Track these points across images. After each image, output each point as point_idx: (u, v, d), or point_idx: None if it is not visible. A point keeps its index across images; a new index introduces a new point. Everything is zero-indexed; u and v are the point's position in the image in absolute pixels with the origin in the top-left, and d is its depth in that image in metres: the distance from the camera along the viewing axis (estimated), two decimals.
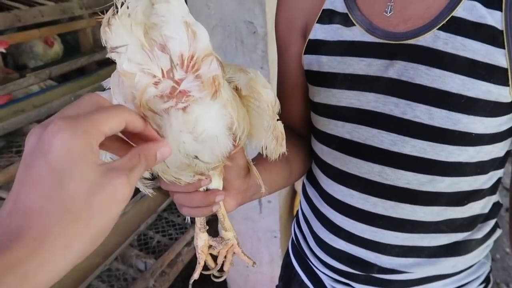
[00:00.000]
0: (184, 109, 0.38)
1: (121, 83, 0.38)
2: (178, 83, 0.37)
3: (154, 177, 0.49)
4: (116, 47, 0.35)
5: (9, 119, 1.50)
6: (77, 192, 0.28)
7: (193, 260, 1.94)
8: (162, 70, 0.36)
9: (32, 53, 1.83)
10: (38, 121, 1.58)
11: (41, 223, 0.27)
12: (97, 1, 1.87)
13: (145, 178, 0.50)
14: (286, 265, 0.89)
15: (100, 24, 0.36)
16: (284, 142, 0.51)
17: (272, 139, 0.50)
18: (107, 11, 0.35)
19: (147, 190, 0.51)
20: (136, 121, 0.34)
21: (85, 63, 1.79)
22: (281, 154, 0.52)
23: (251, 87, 0.46)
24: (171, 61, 0.36)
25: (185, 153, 0.42)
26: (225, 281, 1.99)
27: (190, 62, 0.37)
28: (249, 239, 1.83)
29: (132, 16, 0.36)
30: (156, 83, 0.37)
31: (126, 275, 1.66)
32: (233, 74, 0.47)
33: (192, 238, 1.93)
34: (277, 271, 0.93)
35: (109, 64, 2.03)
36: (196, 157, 0.42)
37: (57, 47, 1.85)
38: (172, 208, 2.07)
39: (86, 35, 1.85)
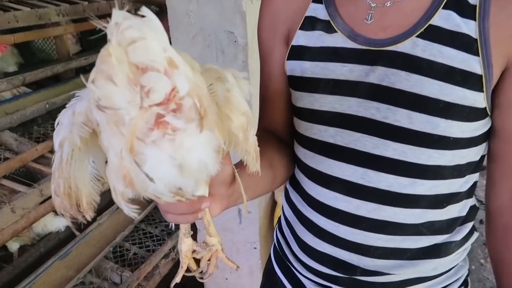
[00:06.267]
0: (171, 139, 0.36)
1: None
2: (162, 115, 0.35)
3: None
4: (106, 107, 0.34)
5: None
6: None
7: (171, 273, 1.90)
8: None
9: None
10: (10, 129, 1.53)
11: None
12: (75, 8, 1.84)
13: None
14: (268, 272, 0.88)
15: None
16: (258, 161, 0.50)
17: (247, 157, 0.49)
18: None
19: (131, 214, 0.45)
20: None
21: (61, 70, 1.75)
22: (255, 171, 0.51)
23: (225, 106, 0.44)
24: (141, 96, 0.34)
25: (170, 186, 0.39)
26: None
27: (170, 99, 0.35)
28: (229, 251, 1.81)
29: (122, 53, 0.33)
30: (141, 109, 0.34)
31: None
32: (211, 84, 0.43)
33: (170, 250, 1.90)
34: (257, 283, 0.92)
35: (86, 71, 1.99)
36: (180, 189, 0.40)
37: (8, 57, 1.77)
38: (149, 219, 2.03)
39: (63, 42, 1.82)
